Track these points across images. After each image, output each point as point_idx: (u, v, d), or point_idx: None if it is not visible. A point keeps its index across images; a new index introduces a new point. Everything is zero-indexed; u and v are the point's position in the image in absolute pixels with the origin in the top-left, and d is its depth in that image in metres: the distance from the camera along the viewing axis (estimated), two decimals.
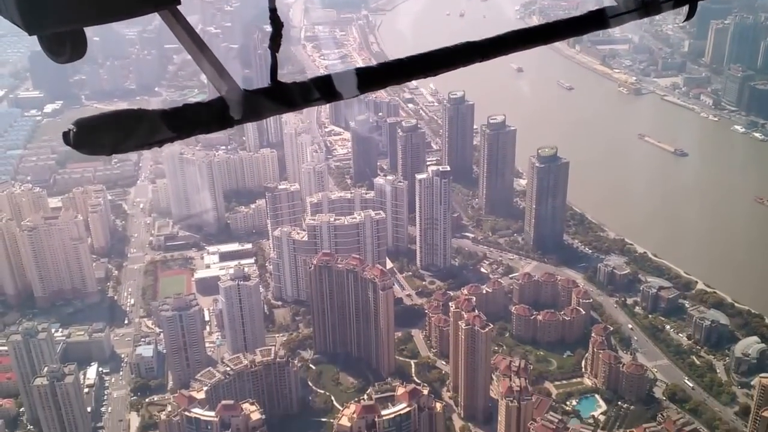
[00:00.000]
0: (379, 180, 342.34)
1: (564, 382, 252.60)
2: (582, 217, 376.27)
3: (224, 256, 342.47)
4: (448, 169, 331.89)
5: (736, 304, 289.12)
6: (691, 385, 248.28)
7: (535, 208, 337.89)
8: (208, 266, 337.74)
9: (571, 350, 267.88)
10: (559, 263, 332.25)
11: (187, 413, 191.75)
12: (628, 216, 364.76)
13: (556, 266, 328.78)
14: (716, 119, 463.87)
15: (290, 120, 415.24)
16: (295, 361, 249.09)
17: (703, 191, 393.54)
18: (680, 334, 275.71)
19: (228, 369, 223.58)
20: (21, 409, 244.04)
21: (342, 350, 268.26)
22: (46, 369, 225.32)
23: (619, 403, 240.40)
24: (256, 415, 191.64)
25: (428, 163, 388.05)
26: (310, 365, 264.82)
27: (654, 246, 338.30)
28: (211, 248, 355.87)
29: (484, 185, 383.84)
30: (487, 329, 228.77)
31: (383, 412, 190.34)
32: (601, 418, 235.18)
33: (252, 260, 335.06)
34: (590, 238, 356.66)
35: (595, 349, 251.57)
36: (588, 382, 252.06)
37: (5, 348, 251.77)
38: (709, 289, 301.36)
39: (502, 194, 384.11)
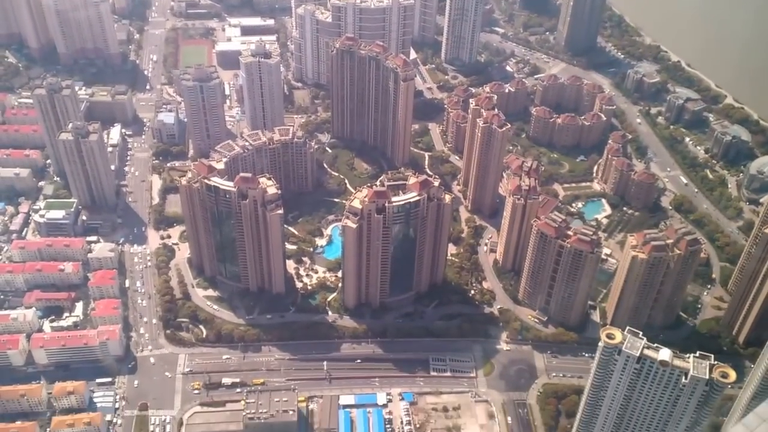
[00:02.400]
0: None
1: (573, 185, 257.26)
2: (620, 20, 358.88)
3: (246, 30, 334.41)
4: None
5: (761, 122, 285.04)
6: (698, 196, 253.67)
7: (572, 6, 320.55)
8: (229, 39, 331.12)
9: (586, 155, 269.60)
10: (588, 67, 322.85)
11: (206, 181, 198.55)
12: (667, 21, 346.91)
13: (584, 69, 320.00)
14: None
15: None
16: (312, 143, 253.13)
17: None
18: (698, 147, 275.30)
19: (247, 144, 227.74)
20: (47, 161, 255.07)
21: (358, 137, 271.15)
22: (70, 125, 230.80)
23: (625, 208, 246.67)
24: (272, 190, 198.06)
25: None
26: (327, 148, 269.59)
27: (689, 55, 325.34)
28: (233, 20, 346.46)
29: None
30: (504, 128, 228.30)
31: (394, 199, 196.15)
32: (604, 221, 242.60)
33: (274, 37, 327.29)
34: (625, 42, 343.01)
35: (610, 156, 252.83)
36: (597, 187, 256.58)
37: (30, 101, 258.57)
38: (736, 104, 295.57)
39: None
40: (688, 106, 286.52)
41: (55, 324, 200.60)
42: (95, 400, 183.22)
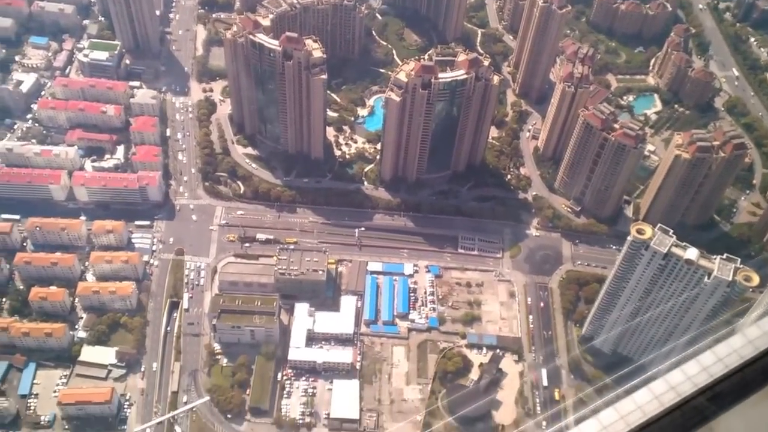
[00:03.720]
0: None
1: (627, 77, 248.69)
2: None
3: None
4: None
5: None
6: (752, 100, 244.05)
7: None
8: None
9: (645, 47, 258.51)
10: None
11: (251, 37, 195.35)
12: None
13: None
14: None
15: None
16: (362, 8, 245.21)
17: None
18: (762, 49, 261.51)
19: (295, 2, 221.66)
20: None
21: (410, 6, 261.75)
22: None
23: (676, 105, 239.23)
24: (318, 53, 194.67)
25: None
26: (377, 15, 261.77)
27: None
28: None
29: None
30: (564, 10, 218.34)
31: (441, 75, 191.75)
32: (653, 116, 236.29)
33: None
34: None
35: (669, 49, 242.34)
36: (651, 81, 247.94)
37: None
38: None
39: None
40: (759, 4, 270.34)
41: (96, 164, 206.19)
42: (133, 240, 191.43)
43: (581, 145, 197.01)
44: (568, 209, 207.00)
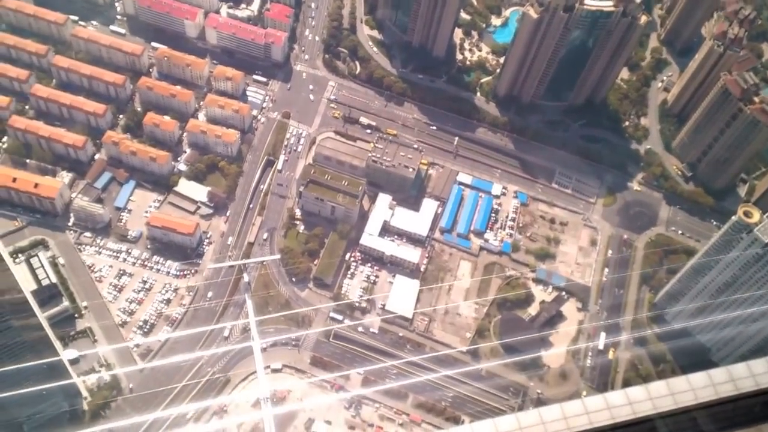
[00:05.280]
0: None
1: None
2: None
3: None
4: None
5: None
6: None
7: None
8: None
9: None
10: None
11: None
12: None
13: None
14: None
15: None
16: None
17: None
18: None
19: None
20: None
21: None
22: None
23: None
24: None
25: None
26: None
27: None
28: None
29: None
30: None
31: (587, 1, 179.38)
32: None
33: None
34: None
35: None
36: None
37: None
38: None
39: None
40: None
41: (231, 11, 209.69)
42: (248, 93, 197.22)
43: (713, 110, 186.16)
44: (679, 172, 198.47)
